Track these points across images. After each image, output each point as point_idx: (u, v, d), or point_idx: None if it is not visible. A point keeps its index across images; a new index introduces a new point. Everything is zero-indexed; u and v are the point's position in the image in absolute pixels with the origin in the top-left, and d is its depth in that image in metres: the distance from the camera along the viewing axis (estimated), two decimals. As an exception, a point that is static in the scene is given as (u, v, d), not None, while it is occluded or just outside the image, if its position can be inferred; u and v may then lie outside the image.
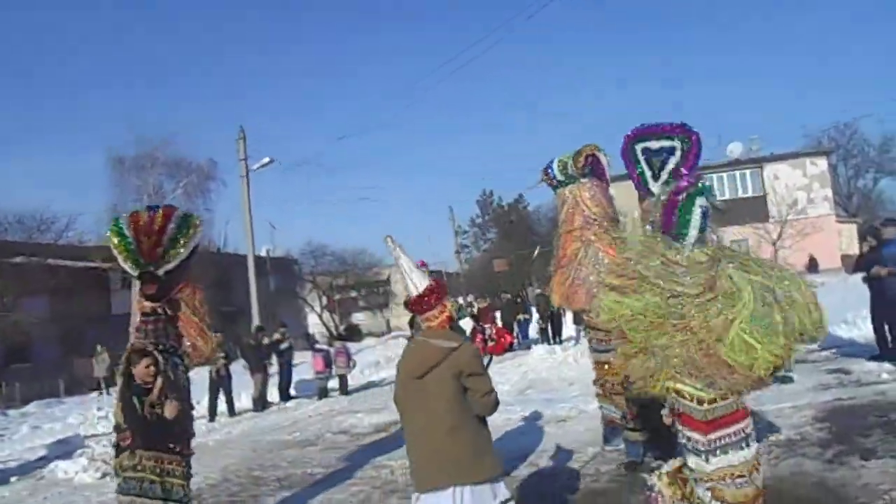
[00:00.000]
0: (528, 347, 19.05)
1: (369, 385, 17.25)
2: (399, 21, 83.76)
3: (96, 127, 66.23)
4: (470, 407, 3.64)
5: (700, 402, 3.81)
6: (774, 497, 5.00)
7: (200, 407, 14.84)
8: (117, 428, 4.93)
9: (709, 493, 3.95)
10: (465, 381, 3.61)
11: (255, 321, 21.35)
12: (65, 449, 11.13)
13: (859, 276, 10.67)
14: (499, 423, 9.53)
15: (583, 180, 6.90)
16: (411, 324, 15.20)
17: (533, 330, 22.04)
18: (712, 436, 3.87)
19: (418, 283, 3.85)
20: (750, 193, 36.26)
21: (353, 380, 16.89)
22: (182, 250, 5.39)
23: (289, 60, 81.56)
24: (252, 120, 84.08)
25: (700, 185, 4.02)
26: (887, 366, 9.31)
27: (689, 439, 3.93)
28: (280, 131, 76.15)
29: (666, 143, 5.85)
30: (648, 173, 5.98)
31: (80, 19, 65.05)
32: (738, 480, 3.85)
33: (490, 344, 21.35)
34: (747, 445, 3.93)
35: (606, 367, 6.57)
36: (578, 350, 15.75)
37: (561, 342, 19.09)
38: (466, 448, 3.57)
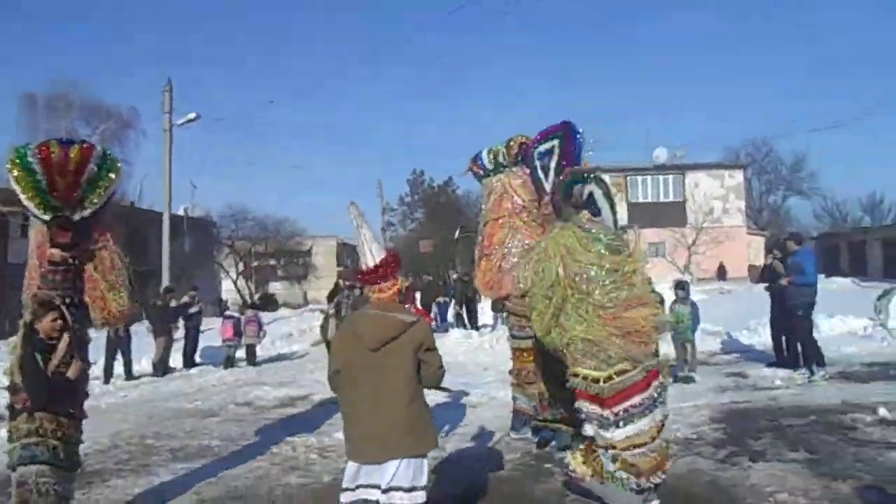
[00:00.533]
0: (446, 331, 19.10)
1: (279, 357, 16.88)
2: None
3: (8, 62, 61.92)
4: (418, 380, 3.74)
5: (595, 381, 4.38)
6: (670, 494, 5.12)
7: (96, 367, 14.18)
8: (12, 388, 4.47)
9: (616, 464, 4.37)
10: (421, 356, 3.70)
11: (166, 282, 20.54)
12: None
13: (763, 286, 11.17)
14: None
15: (513, 169, 7.06)
16: (330, 297, 14.86)
17: (451, 314, 22.10)
18: (616, 408, 4.36)
19: (376, 253, 3.90)
20: (671, 198, 37.49)
21: (263, 350, 16.48)
22: (102, 195, 4.95)
23: (227, 14, 78.52)
24: (180, 72, 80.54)
25: (587, 176, 4.86)
26: (781, 373, 9.82)
27: (595, 415, 4.43)
28: (209, 87, 73.40)
29: (547, 145, 6.26)
30: (541, 175, 6.32)
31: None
32: (643, 449, 4.34)
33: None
34: (650, 412, 4.42)
35: (525, 354, 6.71)
36: (495, 336, 15.89)
37: (477, 328, 19.17)
38: (422, 420, 3.71)
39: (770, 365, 10.47)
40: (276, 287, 46.02)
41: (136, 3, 73.15)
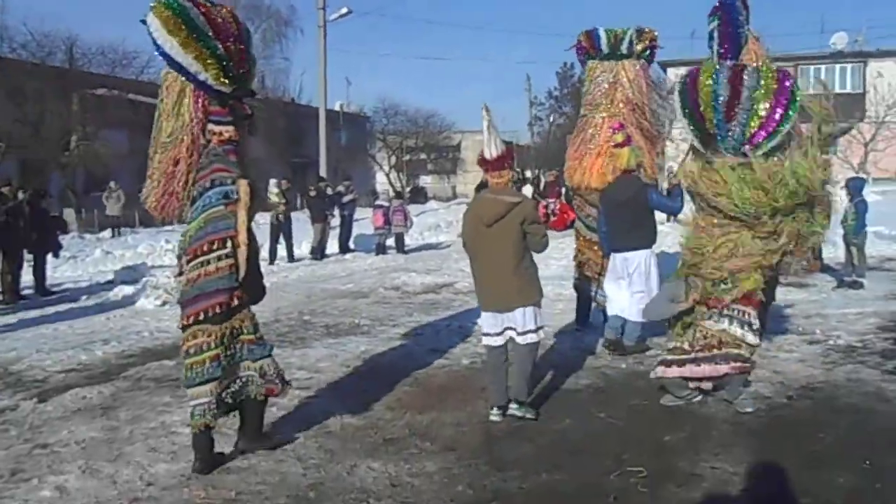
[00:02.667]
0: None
1: (427, 247, 17.40)
2: None
3: None
4: (527, 248, 4.60)
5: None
6: (827, 401, 4.80)
7: (262, 250, 15.33)
8: (235, 285, 3.99)
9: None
10: (526, 228, 4.53)
11: (324, 173, 21.53)
12: (131, 276, 11.71)
13: None
14: (551, 296, 9.44)
15: (635, 60, 6.66)
16: (478, 190, 15.00)
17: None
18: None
19: (498, 147, 4.62)
20: (849, 89, 33.41)
21: (412, 240, 17.05)
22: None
23: None
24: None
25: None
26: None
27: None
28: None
29: (708, 28, 5.59)
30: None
31: None
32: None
33: (552, 218, 21.16)
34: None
35: (596, 247, 6.72)
36: None
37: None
38: (528, 279, 4.61)
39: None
40: (426, 181, 47.06)
41: None
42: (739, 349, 4.58)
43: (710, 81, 4.62)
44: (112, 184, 21.39)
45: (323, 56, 22.90)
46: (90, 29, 65.36)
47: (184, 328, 4.02)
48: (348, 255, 15.62)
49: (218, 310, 3.95)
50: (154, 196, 4.20)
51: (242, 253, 3.99)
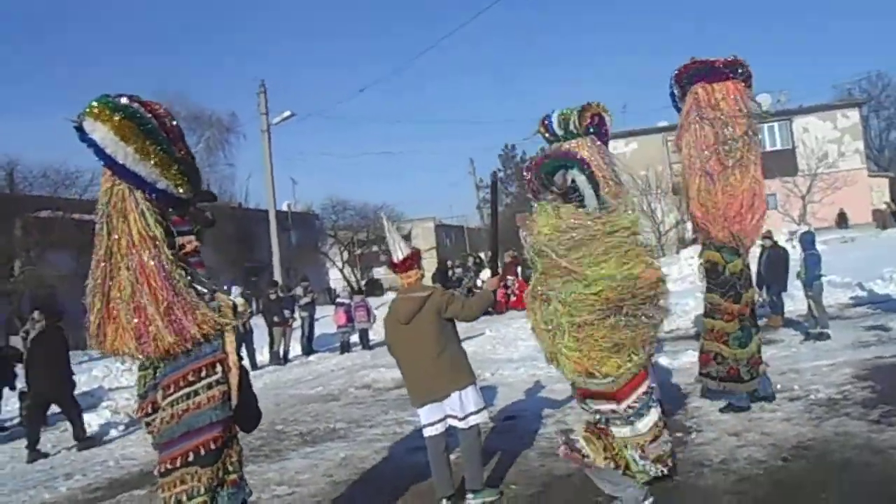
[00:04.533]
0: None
1: (391, 339, 17.13)
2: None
3: (116, 82, 65.78)
4: (449, 335, 4.84)
5: (605, 375, 4.17)
6: (820, 458, 4.78)
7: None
8: (230, 414, 3.62)
9: (637, 452, 4.23)
10: (445, 314, 4.78)
11: (278, 275, 21.31)
12: (89, 401, 11.14)
13: (893, 231, 10.24)
14: (523, 378, 9.40)
15: (583, 138, 6.74)
16: (433, 278, 15.04)
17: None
18: (625, 403, 4.21)
19: (403, 250, 4.98)
20: (778, 146, 35.23)
21: (375, 334, 16.79)
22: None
23: (310, 13, 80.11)
24: (270, 72, 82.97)
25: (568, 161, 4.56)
26: (932, 322, 8.92)
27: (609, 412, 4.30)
28: (299, 83, 75.28)
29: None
30: None
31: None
32: (660, 440, 4.27)
33: (512, 298, 21.24)
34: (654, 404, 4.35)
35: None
36: None
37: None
38: (453, 364, 4.77)
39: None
40: (379, 272, 46.93)
41: (225, 14, 75.62)
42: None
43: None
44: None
45: (268, 160, 23.11)
46: (30, 151, 64.85)
47: (165, 472, 3.51)
48: (312, 357, 15.28)
49: (212, 446, 3.49)
50: (113, 328, 3.56)
51: (235, 377, 3.62)
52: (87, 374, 14.50)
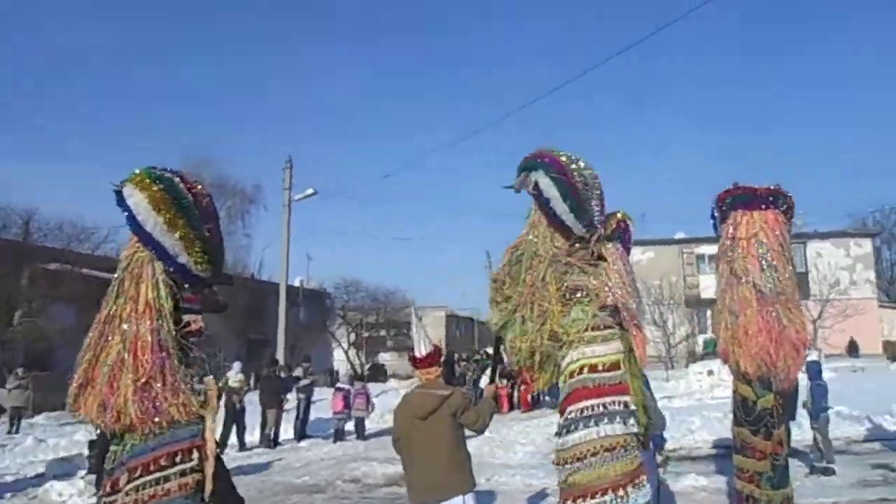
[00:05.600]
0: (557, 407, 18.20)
1: (388, 431, 16.45)
2: (454, 66, 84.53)
3: (144, 143, 67.48)
4: (460, 437, 4.82)
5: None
6: None
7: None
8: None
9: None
10: (460, 419, 4.77)
11: (281, 352, 20.88)
12: (64, 468, 10.63)
13: None
14: (520, 487, 8.84)
15: (607, 245, 6.60)
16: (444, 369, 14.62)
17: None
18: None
19: (427, 345, 4.95)
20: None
21: (373, 423, 16.19)
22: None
23: (341, 94, 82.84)
24: (297, 147, 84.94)
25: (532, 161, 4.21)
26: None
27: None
28: (324, 162, 76.83)
29: None
30: None
31: (133, 38, 67.10)
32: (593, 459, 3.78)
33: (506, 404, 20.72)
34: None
35: None
36: None
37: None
38: (461, 467, 4.73)
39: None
40: (384, 358, 46.26)
41: (263, 85, 78.38)
42: None
43: (570, 160, 4.09)
44: (20, 370, 19.26)
45: (286, 235, 23.08)
46: (49, 202, 66.03)
47: None
48: (304, 443, 14.64)
49: None
50: (88, 391, 3.46)
51: (211, 466, 3.41)
52: (68, 439, 13.97)
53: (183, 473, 3.34)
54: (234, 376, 14.22)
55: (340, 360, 42.14)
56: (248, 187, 33.95)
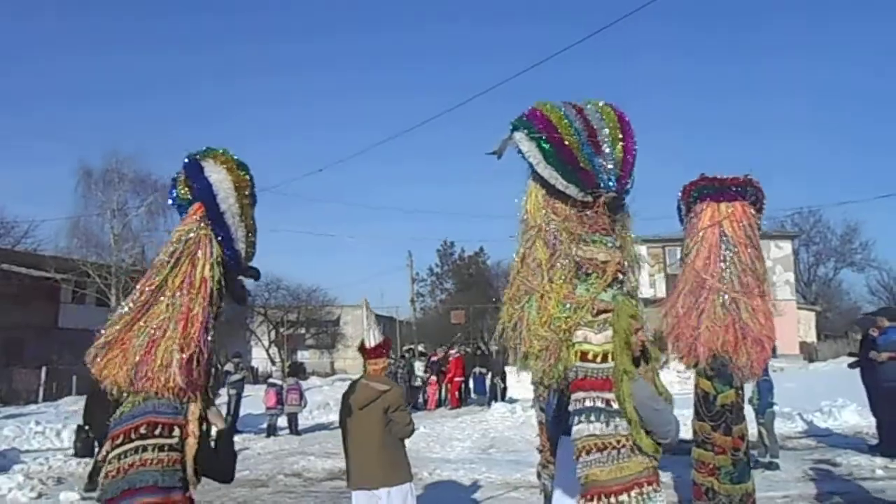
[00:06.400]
0: (486, 404, 18.55)
1: (319, 427, 16.36)
2: (394, 61, 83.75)
3: (65, 137, 64.05)
4: (391, 430, 4.97)
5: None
6: None
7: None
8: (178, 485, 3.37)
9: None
10: (390, 415, 4.95)
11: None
12: (1, 463, 10.06)
13: (820, 364, 10.48)
14: (465, 482, 8.99)
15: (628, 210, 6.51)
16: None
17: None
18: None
19: (375, 337, 5.15)
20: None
21: (303, 419, 16.03)
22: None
23: (268, 86, 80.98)
24: (221, 142, 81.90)
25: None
26: (879, 461, 8.96)
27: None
28: (249, 156, 74.49)
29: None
30: None
31: (63, 29, 63.46)
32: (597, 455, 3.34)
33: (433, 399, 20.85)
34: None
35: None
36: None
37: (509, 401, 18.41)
38: (393, 460, 4.94)
39: (872, 448, 9.52)
40: (304, 356, 45.63)
41: (187, 78, 75.69)
42: None
43: (563, 114, 3.51)
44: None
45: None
46: None
47: None
48: (237, 437, 14.28)
49: None
50: (115, 354, 3.38)
51: (192, 448, 3.32)
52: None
53: (160, 448, 3.24)
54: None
55: (260, 357, 41.28)
56: (169, 182, 32.56)
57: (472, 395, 21.44)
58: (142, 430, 3.26)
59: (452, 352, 22.60)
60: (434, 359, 22.60)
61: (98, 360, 3.42)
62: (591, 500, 3.31)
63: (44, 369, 22.96)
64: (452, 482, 9.08)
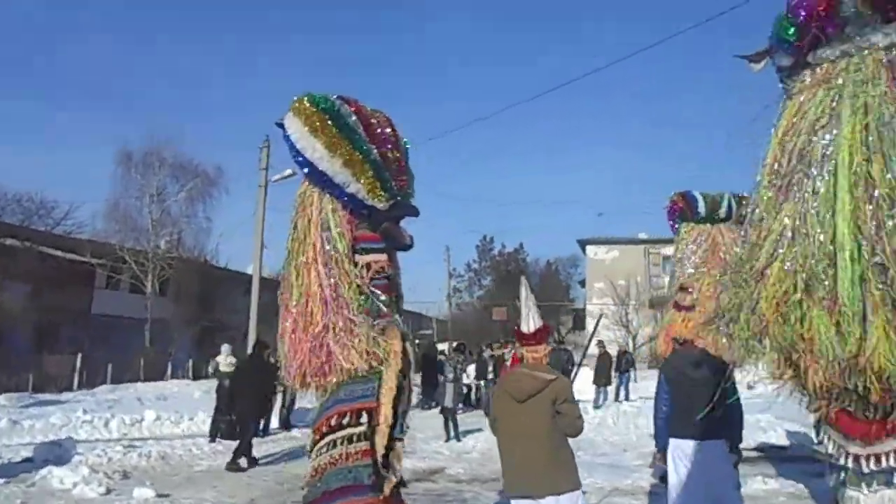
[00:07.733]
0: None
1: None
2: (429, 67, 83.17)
3: (108, 120, 64.17)
4: (560, 428, 4.19)
5: None
6: None
7: (203, 425, 13.56)
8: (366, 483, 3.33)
9: None
10: (559, 407, 4.16)
11: (252, 339, 19.96)
12: (55, 453, 9.75)
13: None
14: (624, 486, 8.48)
15: (729, 225, 6.52)
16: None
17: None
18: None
19: (536, 320, 4.42)
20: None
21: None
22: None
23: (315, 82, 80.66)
24: (269, 131, 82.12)
25: None
26: None
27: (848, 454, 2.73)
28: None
29: None
30: None
31: (99, 13, 63.63)
32: None
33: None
34: None
35: None
36: (618, 410, 15.13)
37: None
38: (561, 462, 4.17)
39: None
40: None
41: (235, 71, 75.80)
42: None
43: None
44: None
45: (261, 216, 22.09)
46: (7, 177, 61.64)
47: None
48: (294, 432, 14.03)
49: None
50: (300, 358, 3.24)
51: (383, 435, 3.14)
52: (44, 421, 12.98)
53: (349, 440, 3.09)
54: (225, 360, 13.49)
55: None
56: (210, 168, 32.58)
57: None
58: (332, 423, 3.17)
59: (507, 349, 21.96)
60: (491, 354, 21.68)
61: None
62: None
63: (79, 356, 22.83)
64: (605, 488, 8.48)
